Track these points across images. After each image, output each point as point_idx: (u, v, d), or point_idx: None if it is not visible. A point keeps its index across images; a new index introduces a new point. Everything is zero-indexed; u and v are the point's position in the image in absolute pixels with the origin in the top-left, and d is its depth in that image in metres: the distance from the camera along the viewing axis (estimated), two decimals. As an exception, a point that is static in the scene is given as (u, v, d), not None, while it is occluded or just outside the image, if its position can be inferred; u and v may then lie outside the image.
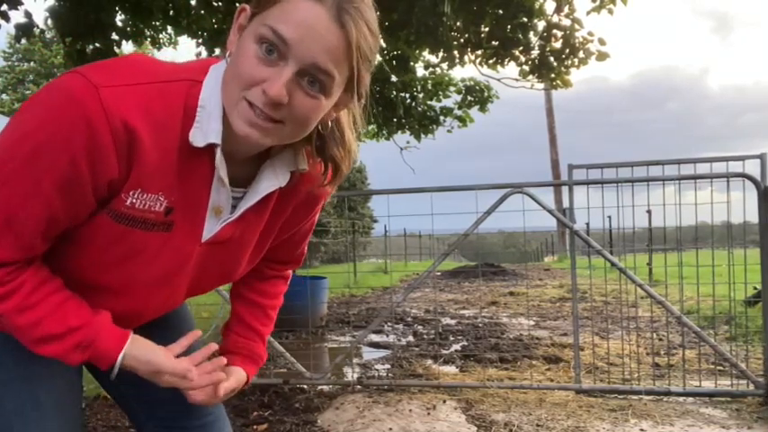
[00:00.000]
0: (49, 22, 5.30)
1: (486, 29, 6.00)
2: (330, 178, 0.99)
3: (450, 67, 6.97)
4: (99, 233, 0.89)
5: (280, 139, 0.87)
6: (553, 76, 6.50)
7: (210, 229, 0.96)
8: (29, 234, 0.84)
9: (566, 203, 3.77)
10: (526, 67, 6.56)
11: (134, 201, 0.86)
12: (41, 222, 0.83)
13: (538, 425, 2.94)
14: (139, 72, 0.85)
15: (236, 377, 1.09)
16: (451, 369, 4.24)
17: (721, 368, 3.72)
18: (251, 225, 1.00)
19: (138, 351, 0.95)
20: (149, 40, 6.71)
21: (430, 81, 8.43)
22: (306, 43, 0.78)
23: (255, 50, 0.80)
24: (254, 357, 1.16)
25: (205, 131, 0.86)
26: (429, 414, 3.17)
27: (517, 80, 6.84)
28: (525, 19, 5.82)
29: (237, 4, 0.91)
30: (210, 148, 0.87)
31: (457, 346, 5.07)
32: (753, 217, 3.38)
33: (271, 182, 0.95)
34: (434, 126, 8.57)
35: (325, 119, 0.91)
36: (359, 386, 3.71)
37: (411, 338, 5.60)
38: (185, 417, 1.17)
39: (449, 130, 8.82)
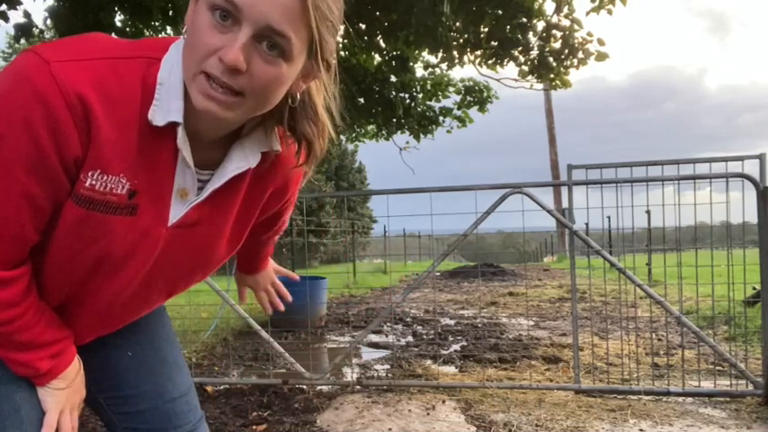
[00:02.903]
0: (49, 22, 5.29)
1: (486, 29, 6.00)
2: (304, 158, 0.94)
3: (450, 67, 6.96)
4: (60, 218, 0.86)
5: (244, 112, 0.83)
6: (552, 76, 6.50)
7: (177, 212, 0.92)
8: (22, 228, 0.82)
9: (565, 204, 3.77)
10: (525, 68, 6.55)
11: (94, 182, 0.83)
12: (28, 212, 0.82)
13: (537, 425, 2.94)
14: (94, 48, 0.83)
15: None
16: (451, 369, 4.24)
17: (720, 368, 3.73)
18: (220, 208, 0.97)
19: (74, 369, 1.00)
20: (148, 40, 6.70)
21: (429, 81, 8.41)
22: (258, 5, 0.75)
23: (209, 18, 0.77)
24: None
25: (165, 110, 0.83)
26: (428, 414, 3.17)
27: (516, 80, 6.83)
28: (524, 19, 5.82)
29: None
30: (173, 127, 0.84)
31: (456, 347, 5.07)
32: (752, 217, 3.39)
33: (240, 162, 0.92)
34: (434, 126, 8.55)
35: (293, 89, 0.87)
36: (358, 386, 3.71)
37: (410, 339, 5.60)
38: (165, 427, 1.15)
39: (448, 131, 8.80)
